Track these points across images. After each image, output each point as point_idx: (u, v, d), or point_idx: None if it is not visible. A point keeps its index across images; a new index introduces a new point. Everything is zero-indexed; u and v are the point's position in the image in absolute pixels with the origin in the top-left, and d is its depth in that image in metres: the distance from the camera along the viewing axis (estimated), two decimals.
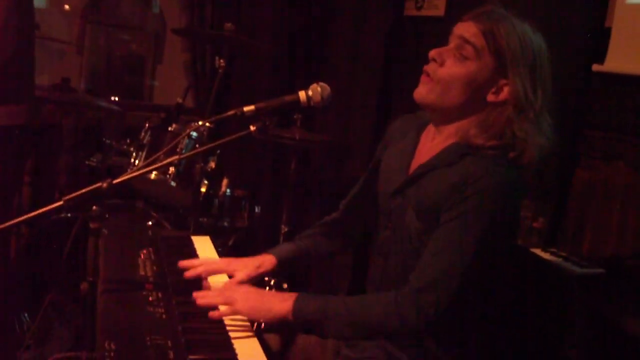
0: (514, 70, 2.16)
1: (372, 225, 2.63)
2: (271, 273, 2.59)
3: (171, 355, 1.86)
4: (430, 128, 2.39)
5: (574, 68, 3.46)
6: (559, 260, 3.07)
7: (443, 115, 2.29)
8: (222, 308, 2.15)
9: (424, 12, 4.46)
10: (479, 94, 2.20)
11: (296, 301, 2.15)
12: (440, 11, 4.33)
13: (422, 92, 2.25)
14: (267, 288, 3.92)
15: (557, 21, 3.53)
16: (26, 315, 3.95)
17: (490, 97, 2.19)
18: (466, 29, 2.21)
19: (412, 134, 2.45)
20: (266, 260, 2.56)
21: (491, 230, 2.11)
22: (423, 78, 2.26)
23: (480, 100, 2.21)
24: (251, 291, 2.23)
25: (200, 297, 2.17)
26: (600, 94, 3.45)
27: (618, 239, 3.25)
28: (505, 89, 2.17)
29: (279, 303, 2.16)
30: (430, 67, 2.25)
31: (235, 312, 2.12)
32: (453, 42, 2.24)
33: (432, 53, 2.25)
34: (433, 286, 2.07)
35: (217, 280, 2.43)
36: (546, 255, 3.11)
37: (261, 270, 2.53)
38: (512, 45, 2.15)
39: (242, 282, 2.43)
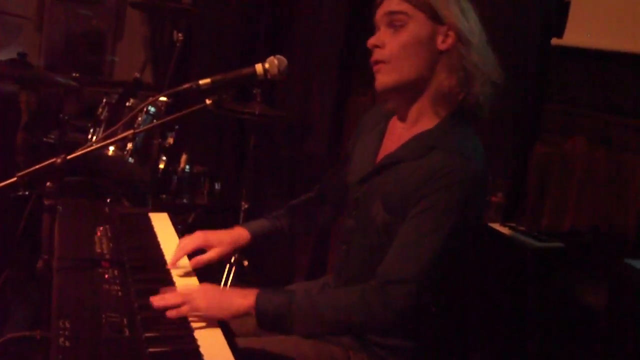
0: (444, 12, 2.18)
1: (338, 214, 2.70)
2: (244, 248, 2.57)
3: (127, 332, 1.84)
4: (399, 116, 2.39)
5: (534, 42, 3.47)
6: (518, 234, 3.08)
7: (408, 94, 2.28)
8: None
9: None
10: (430, 50, 2.20)
11: (258, 296, 2.08)
12: None
13: (381, 79, 2.26)
14: (228, 265, 3.91)
15: None
16: None
17: (441, 46, 2.20)
18: (387, 4, 2.23)
19: (381, 124, 2.46)
20: (241, 235, 2.56)
21: (461, 222, 2.12)
22: (375, 68, 2.27)
23: (434, 55, 2.21)
24: (210, 288, 2.15)
25: (158, 300, 2.02)
26: (560, 68, 3.45)
27: (576, 213, 3.27)
28: (450, 33, 2.19)
29: (240, 299, 2.09)
30: (375, 55, 2.26)
31: (194, 310, 2.01)
32: (382, 23, 2.25)
33: (370, 42, 2.27)
34: (402, 279, 2.06)
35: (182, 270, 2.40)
36: (505, 230, 3.12)
37: (235, 246, 2.54)
38: None
39: (213, 260, 2.46)
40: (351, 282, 2.34)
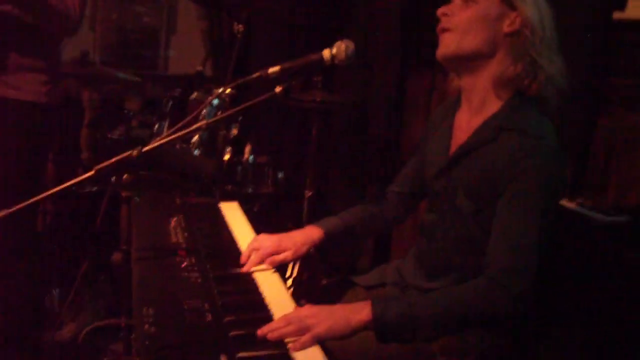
0: (519, 1, 2.20)
1: (418, 206, 2.75)
2: (318, 245, 2.57)
3: (209, 317, 1.89)
4: (463, 107, 2.42)
5: (595, 16, 3.45)
6: (585, 209, 3.06)
7: (469, 66, 2.30)
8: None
9: None
10: (495, 30, 2.23)
11: (374, 308, 2.02)
12: None
13: (443, 46, 2.29)
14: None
15: None
16: (57, 291, 3.98)
17: (506, 29, 2.22)
18: None
19: (448, 118, 2.49)
20: (314, 234, 2.57)
21: (551, 201, 2.17)
22: (440, 36, 2.29)
23: (499, 36, 2.24)
24: (320, 311, 2.02)
25: (271, 332, 1.90)
26: (622, 41, 3.43)
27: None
28: (518, 19, 2.21)
29: (354, 314, 2.02)
30: (443, 23, 2.29)
31: (317, 338, 1.91)
32: None
33: (440, 11, 2.30)
34: (514, 267, 2.07)
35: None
36: (572, 205, 3.11)
37: (309, 245, 2.54)
38: None
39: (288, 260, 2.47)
40: (438, 271, 2.39)
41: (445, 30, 2.28)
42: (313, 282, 4.25)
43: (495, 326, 2.24)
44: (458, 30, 2.25)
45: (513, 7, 2.21)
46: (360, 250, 5.12)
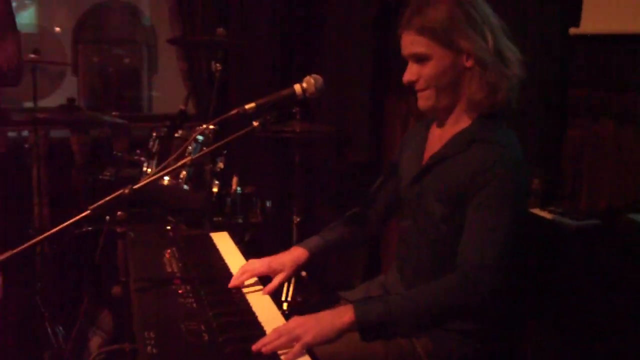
0: (459, 41, 2.39)
1: (390, 218, 2.91)
2: (304, 265, 2.73)
3: (206, 337, 2.04)
4: (437, 123, 2.63)
5: (552, 34, 3.60)
6: (556, 216, 3.20)
7: (446, 108, 2.52)
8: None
9: None
10: (457, 73, 2.43)
11: (356, 310, 2.18)
12: None
13: (422, 100, 2.51)
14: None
15: None
16: (61, 328, 4.11)
17: (466, 65, 2.41)
18: (407, 45, 2.47)
19: (422, 132, 2.70)
20: (300, 255, 2.72)
21: (520, 204, 2.38)
22: (417, 95, 2.52)
23: (462, 73, 2.43)
24: (306, 320, 2.16)
25: (264, 345, 2.04)
26: (580, 55, 3.58)
27: (611, 193, 3.39)
28: (470, 57, 2.40)
29: (338, 318, 2.17)
30: (416, 87, 2.50)
31: (306, 346, 2.07)
32: (409, 59, 2.50)
33: (405, 80, 2.51)
34: (483, 264, 2.25)
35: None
36: (544, 213, 3.25)
37: (296, 265, 2.70)
38: (442, 19, 2.38)
39: (281, 283, 2.63)
40: (416, 276, 2.56)
41: (420, 90, 2.49)
42: (307, 303, 4.40)
43: (463, 319, 2.40)
44: (431, 86, 2.45)
45: (460, 50, 2.39)
46: (355, 269, 5.24)
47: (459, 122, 2.51)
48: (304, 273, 4.32)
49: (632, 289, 2.84)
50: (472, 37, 2.37)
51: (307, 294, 4.50)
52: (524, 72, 2.46)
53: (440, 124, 2.58)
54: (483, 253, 2.26)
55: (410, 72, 2.48)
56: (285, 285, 4.15)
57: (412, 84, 2.49)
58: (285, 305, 4.17)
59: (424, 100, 2.49)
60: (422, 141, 2.66)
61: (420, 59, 2.43)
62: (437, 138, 2.57)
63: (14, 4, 3.34)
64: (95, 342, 3.94)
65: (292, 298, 4.23)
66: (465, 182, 2.35)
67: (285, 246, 2.79)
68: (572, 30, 3.51)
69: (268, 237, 4.38)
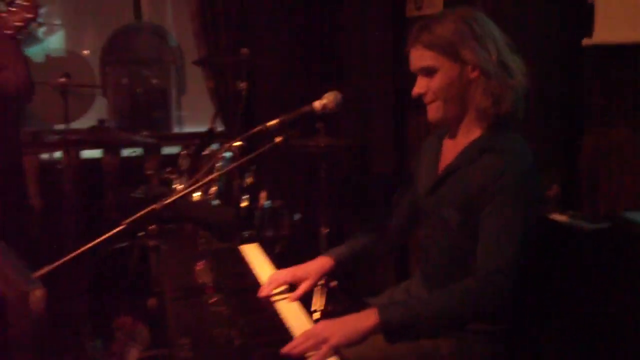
0: (464, 52, 2.49)
1: (413, 227, 2.99)
2: (330, 273, 2.83)
3: (237, 342, 2.17)
4: (450, 134, 2.72)
5: (566, 45, 3.70)
6: (572, 219, 3.29)
7: (456, 119, 2.62)
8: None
9: (424, 12, 4.67)
10: (464, 84, 2.53)
11: (380, 313, 2.27)
12: (438, 8, 4.51)
13: (431, 112, 2.61)
14: (318, 289, 4.15)
15: (544, 4, 3.81)
16: (100, 341, 4.22)
17: (471, 77, 2.52)
18: (415, 60, 2.59)
19: (436, 145, 2.80)
20: (325, 263, 2.82)
21: (530, 210, 2.45)
22: (427, 106, 2.62)
23: (468, 84, 2.53)
24: (332, 323, 2.25)
25: (292, 348, 2.13)
26: (594, 64, 3.67)
27: (627, 197, 3.48)
28: (475, 68, 2.51)
29: (363, 321, 2.26)
30: (424, 100, 2.61)
31: (333, 348, 2.15)
32: (417, 73, 2.61)
33: (414, 93, 2.62)
34: (498, 269, 2.35)
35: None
36: (561, 217, 3.34)
37: (321, 274, 2.79)
38: (449, 34, 2.50)
39: (307, 291, 2.71)
40: (437, 282, 2.65)
41: (429, 102, 2.59)
42: (336, 311, 4.47)
43: (481, 322, 2.50)
44: (440, 99, 2.55)
45: (465, 62, 2.50)
46: (385, 279, 5.32)
47: (470, 133, 2.60)
48: (334, 283, 4.41)
49: None
50: (476, 50, 2.48)
51: (336, 303, 4.58)
52: (529, 83, 2.55)
53: (453, 135, 2.68)
54: (497, 258, 2.36)
55: (419, 86, 2.58)
56: (315, 294, 4.24)
57: (421, 97, 2.59)
58: (316, 315, 4.25)
59: (433, 112, 2.59)
60: (437, 152, 2.76)
61: (429, 71, 2.53)
62: (451, 149, 2.67)
63: (43, 30, 3.57)
64: (133, 355, 4.04)
65: (322, 307, 4.31)
66: (478, 191, 2.45)
67: (314, 257, 2.88)
68: (585, 41, 3.58)
69: (297, 249, 4.46)
